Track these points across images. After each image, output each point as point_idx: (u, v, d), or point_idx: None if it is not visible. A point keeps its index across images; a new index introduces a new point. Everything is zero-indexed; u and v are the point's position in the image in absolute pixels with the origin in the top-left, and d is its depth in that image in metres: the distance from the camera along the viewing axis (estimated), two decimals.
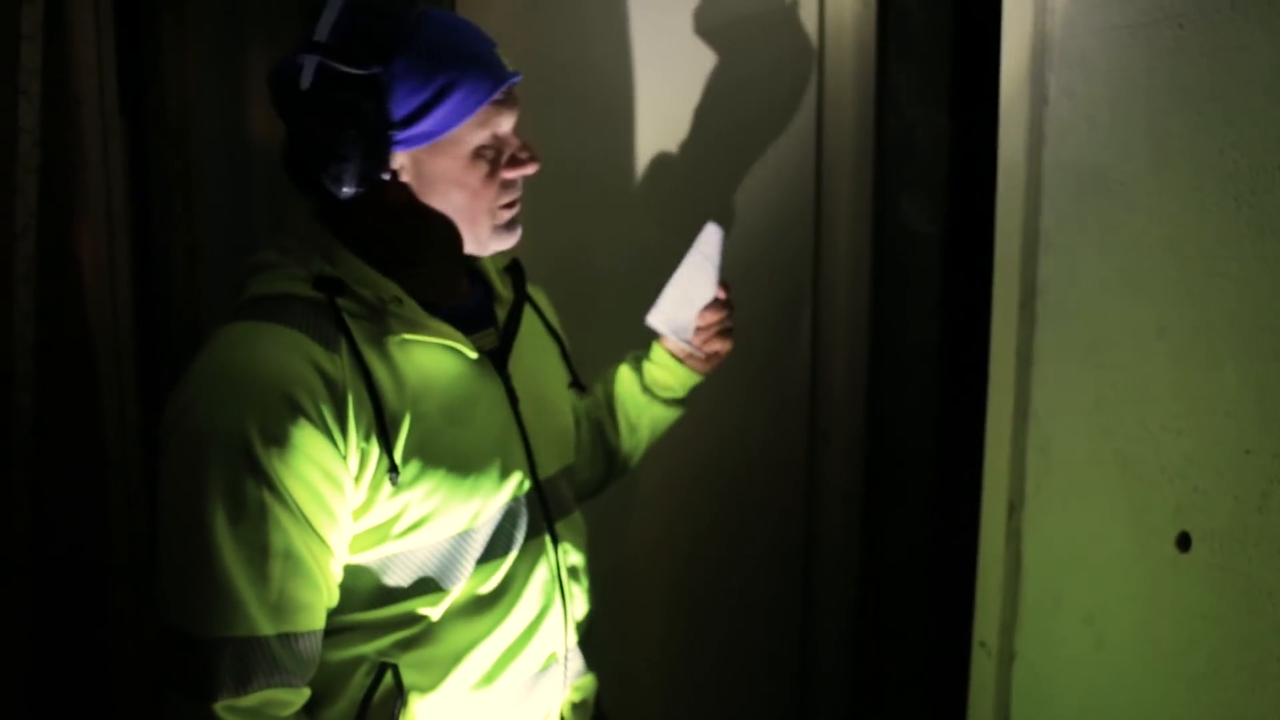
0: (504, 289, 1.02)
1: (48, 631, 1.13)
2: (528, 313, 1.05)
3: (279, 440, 0.78)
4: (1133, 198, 0.89)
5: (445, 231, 0.90)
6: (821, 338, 1.85)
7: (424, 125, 0.84)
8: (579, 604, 1.02)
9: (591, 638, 1.08)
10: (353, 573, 0.87)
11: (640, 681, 1.74)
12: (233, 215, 1.63)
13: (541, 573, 0.96)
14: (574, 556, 1.02)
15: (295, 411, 0.79)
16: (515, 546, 0.94)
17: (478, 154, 0.88)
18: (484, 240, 0.92)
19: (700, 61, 1.66)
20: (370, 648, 0.88)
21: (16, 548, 1.03)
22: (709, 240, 1.15)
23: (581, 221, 1.60)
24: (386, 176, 0.86)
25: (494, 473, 0.91)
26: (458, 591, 0.90)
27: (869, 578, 1.88)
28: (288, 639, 0.80)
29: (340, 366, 0.82)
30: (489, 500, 0.91)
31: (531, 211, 1.52)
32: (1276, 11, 0.72)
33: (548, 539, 0.98)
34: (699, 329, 1.16)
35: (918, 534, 1.84)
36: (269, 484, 0.78)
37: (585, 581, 1.05)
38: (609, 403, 1.22)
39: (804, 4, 1.73)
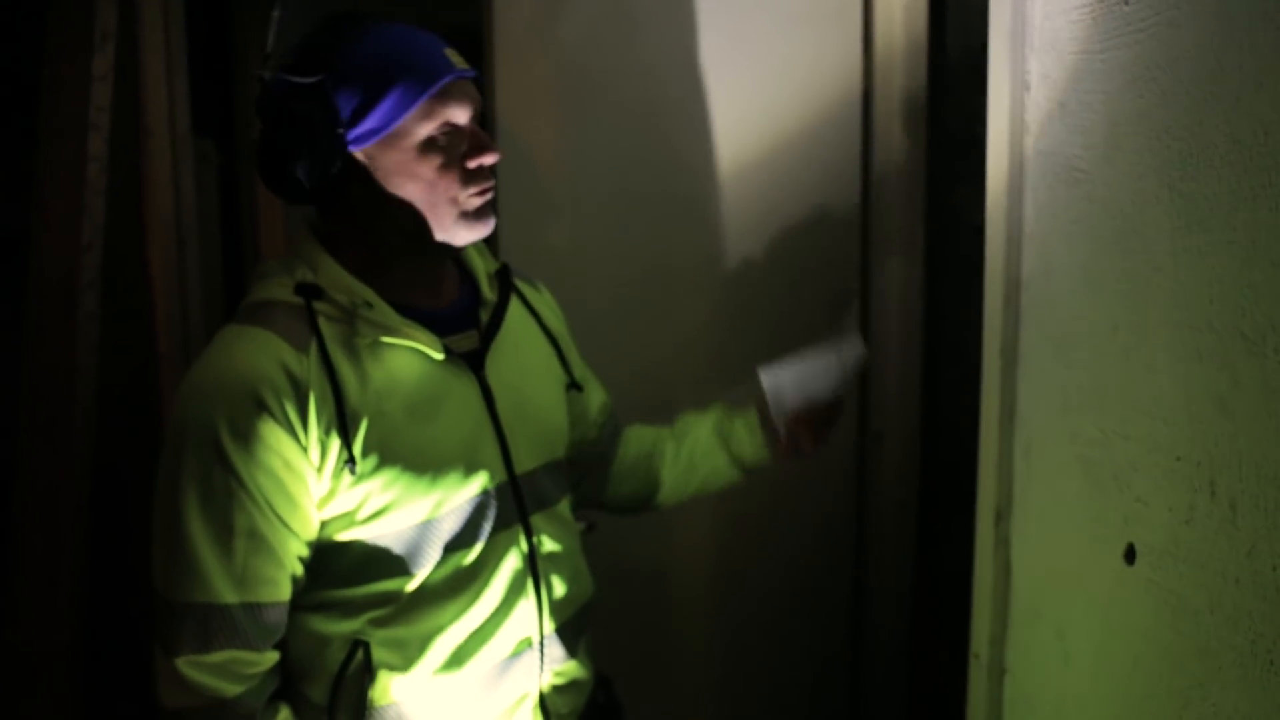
0: (490, 292, 1.07)
1: (101, 614, 1.27)
2: (517, 314, 1.09)
3: (244, 434, 0.87)
4: (1093, 187, 0.84)
5: (410, 224, 0.95)
6: (872, 335, 1.81)
7: (369, 123, 0.92)
8: (558, 592, 1.06)
9: (582, 625, 1.10)
10: (327, 552, 0.95)
11: (684, 691, 1.75)
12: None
13: (512, 561, 1.01)
14: (551, 546, 1.05)
15: (260, 408, 0.88)
16: (483, 536, 0.99)
17: (427, 145, 0.94)
18: (450, 229, 0.96)
19: (738, 54, 1.65)
20: (345, 625, 0.96)
21: (74, 534, 1.18)
22: (849, 348, 1.19)
23: (617, 223, 1.64)
24: (335, 171, 0.92)
25: (459, 467, 0.97)
26: (424, 575, 0.96)
27: (925, 590, 1.82)
28: (251, 608, 0.89)
29: (306, 367, 0.90)
30: (452, 492, 0.96)
31: (572, 212, 1.59)
32: None
33: (520, 530, 1.02)
34: (798, 416, 1.18)
35: (971, 538, 1.75)
36: (234, 472, 0.88)
37: (568, 570, 1.08)
38: (682, 431, 1.26)
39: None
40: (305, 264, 0.97)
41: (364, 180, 0.94)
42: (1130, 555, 0.77)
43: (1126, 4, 0.76)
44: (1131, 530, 0.77)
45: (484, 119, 1.11)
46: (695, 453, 1.24)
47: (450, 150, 0.95)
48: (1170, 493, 0.71)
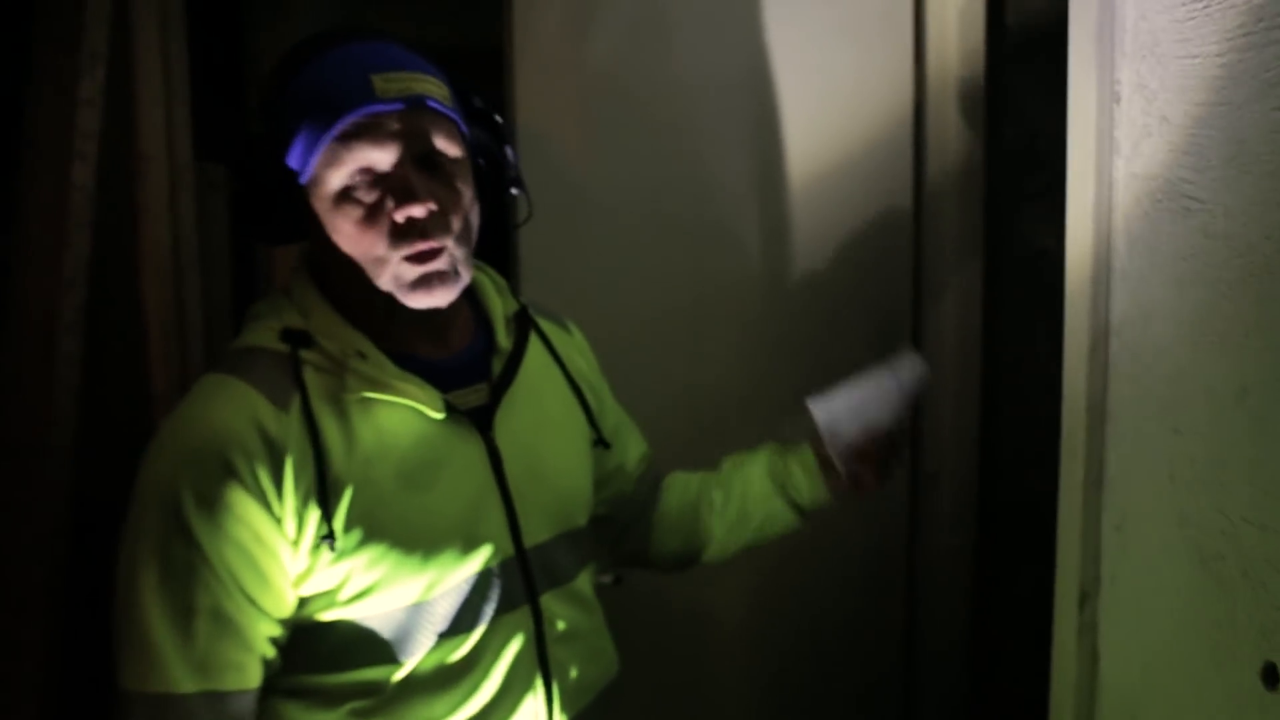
0: (505, 339, 0.95)
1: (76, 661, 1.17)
2: (537, 361, 0.98)
3: (209, 502, 0.78)
4: (1211, 218, 0.69)
5: (364, 278, 0.84)
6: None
7: (296, 166, 0.83)
8: (571, 679, 0.94)
9: (601, 711, 0.98)
10: (305, 633, 0.85)
11: None
12: None
13: (516, 648, 0.89)
14: (565, 629, 0.94)
15: (228, 474, 0.78)
16: (483, 620, 0.88)
17: (344, 196, 0.82)
18: (394, 291, 0.84)
19: (778, 66, 1.53)
20: (325, 716, 0.85)
21: (53, 579, 1.09)
22: (907, 368, 1.07)
23: (648, 248, 1.52)
24: (283, 213, 0.84)
25: (456, 542, 0.86)
26: (414, 663, 0.85)
27: (983, 649, 1.66)
28: (212, 698, 0.79)
29: (286, 427, 0.81)
30: (448, 571, 0.85)
31: (599, 237, 1.48)
32: None
33: (528, 612, 0.91)
34: (858, 449, 1.05)
35: (1040, 596, 1.60)
36: (196, 545, 0.78)
37: (585, 653, 0.96)
38: (729, 476, 1.13)
39: (895, 4, 1.56)
40: (296, 306, 0.88)
41: (318, 225, 0.84)
42: (1271, 677, 0.62)
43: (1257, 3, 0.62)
44: (1273, 646, 0.62)
45: (504, 138, 0.96)
46: (747, 499, 1.11)
47: (375, 203, 0.81)
48: None
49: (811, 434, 1.06)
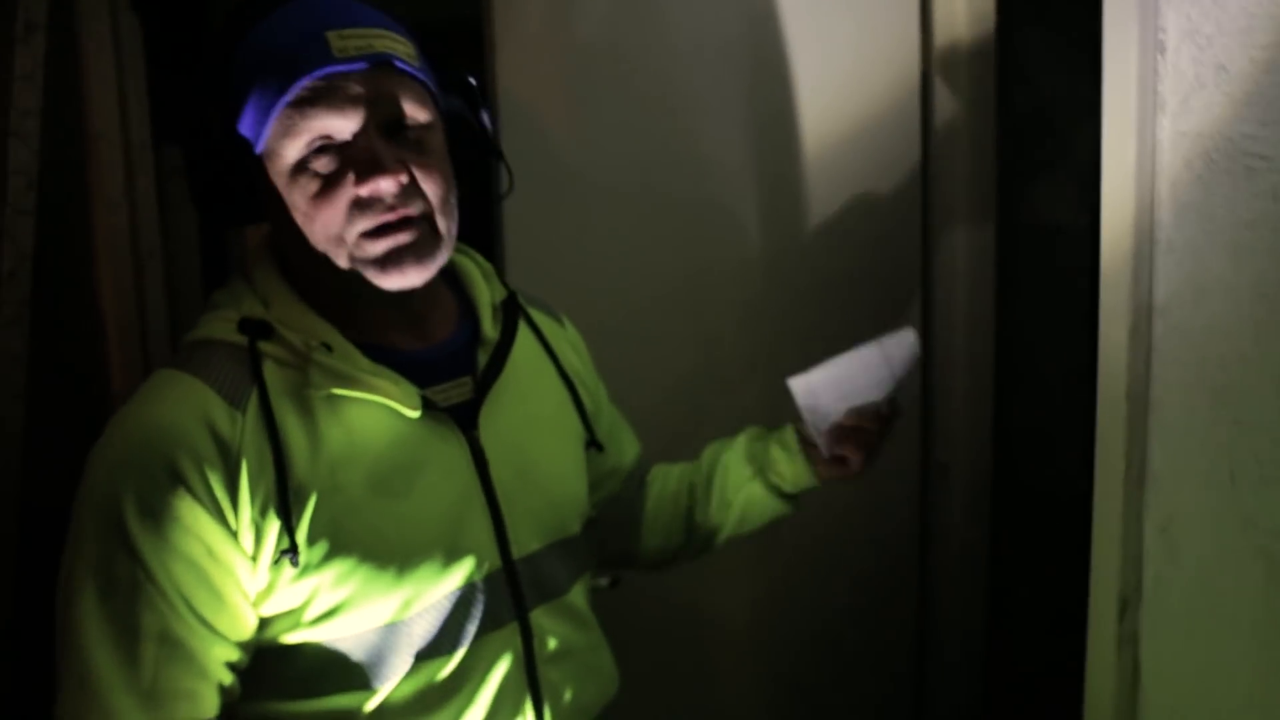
0: (491, 328, 0.87)
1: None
2: (528, 354, 0.90)
3: (156, 513, 0.71)
4: (1278, 179, 0.61)
5: (326, 260, 0.77)
6: (936, 354, 1.59)
7: (249, 135, 0.75)
8: (565, 702, 0.86)
9: None
10: (270, 657, 0.78)
11: None
12: None
13: (503, 670, 0.82)
14: (558, 647, 0.86)
15: (176, 481, 0.71)
16: (466, 640, 0.81)
17: (300, 168, 0.74)
18: (367, 275, 0.76)
19: (775, 35, 1.44)
20: None
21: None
22: (899, 344, 0.99)
23: (639, 231, 1.44)
24: (238, 187, 0.77)
25: (436, 553, 0.79)
26: (390, 689, 0.78)
27: (999, 650, 1.59)
28: None
29: (240, 428, 0.73)
30: (427, 586, 0.78)
31: (587, 219, 1.40)
32: None
33: (516, 629, 0.83)
34: (841, 426, 0.98)
35: (1059, 595, 1.53)
36: (141, 560, 0.71)
37: (580, 672, 0.89)
38: (710, 463, 1.06)
39: None
40: (257, 293, 0.80)
41: (276, 202, 0.76)
42: None
43: None
44: None
45: (479, 102, 0.88)
46: (726, 486, 1.04)
47: (333, 175, 0.74)
48: None
49: (796, 414, 0.99)
